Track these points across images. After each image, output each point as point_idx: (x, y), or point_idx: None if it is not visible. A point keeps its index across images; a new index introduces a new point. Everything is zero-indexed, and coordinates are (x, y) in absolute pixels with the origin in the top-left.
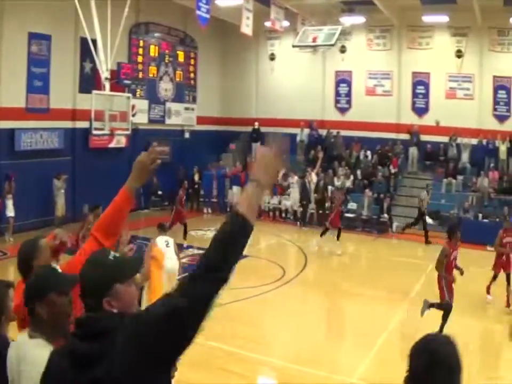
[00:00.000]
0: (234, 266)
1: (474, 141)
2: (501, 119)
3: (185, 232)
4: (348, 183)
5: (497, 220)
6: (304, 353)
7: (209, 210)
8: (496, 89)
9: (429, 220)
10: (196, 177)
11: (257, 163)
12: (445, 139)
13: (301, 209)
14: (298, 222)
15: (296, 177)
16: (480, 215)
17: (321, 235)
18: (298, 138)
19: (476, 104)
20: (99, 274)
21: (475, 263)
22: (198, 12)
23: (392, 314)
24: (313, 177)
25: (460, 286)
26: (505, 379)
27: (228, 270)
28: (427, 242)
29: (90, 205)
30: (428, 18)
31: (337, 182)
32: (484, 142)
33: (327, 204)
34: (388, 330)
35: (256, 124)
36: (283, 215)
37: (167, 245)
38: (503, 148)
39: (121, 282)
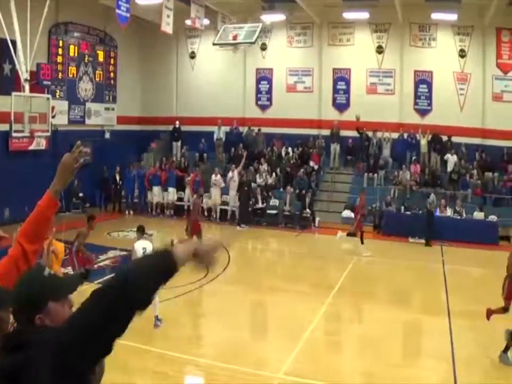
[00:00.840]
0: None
1: (395, 135)
2: (422, 113)
3: None
4: (270, 180)
5: (420, 212)
6: (231, 351)
7: (131, 211)
8: (417, 83)
9: (350, 214)
10: (118, 178)
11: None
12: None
13: (235, 208)
14: (236, 222)
15: (219, 175)
16: (402, 208)
17: (362, 242)
18: (215, 136)
19: (397, 98)
20: (34, 290)
21: (398, 255)
22: (117, 11)
23: (317, 309)
24: (236, 175)
25: (385, 278)
26: (425, 366)
27: (143, 291)
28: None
29: (11, 208)
30: (348, 15)
31: (259, 179)
32: (405, 136)
33: (251, 202)
34: (313, 325)
35: (177, 122)
36: (205, 213)
37: (144, 252)
38: (424, 142)
39: (55, 300)
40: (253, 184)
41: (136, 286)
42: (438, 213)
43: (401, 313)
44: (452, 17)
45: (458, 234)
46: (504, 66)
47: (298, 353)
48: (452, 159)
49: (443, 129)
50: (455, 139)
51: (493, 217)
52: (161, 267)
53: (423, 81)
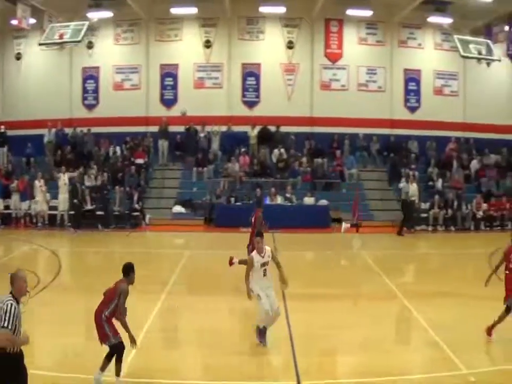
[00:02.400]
0: None
1: (224, 128)
2: (250, 105)
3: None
4: (99, 181)
5: (250, 202)
6: (68, 359)
7: None
8: (244, 76)
9: (180, 209)
10: None
11: None
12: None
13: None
14: (71, 227)
15: (42, 181)
16: (233, 199)
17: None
18: (46, 139)
19: (225, 92)
20: None
21: (231, 245)
22: None
23: (152, 306)
24: (66, 178)
25: (218, 269)
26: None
27: None
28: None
29: None
30: (176, 11)
31: (87, 182)
32: (234, 129)
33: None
34: (149, 323)
35: (2, 127)
36: (34, 220)
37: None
38: (253, 133)
39: None
40: (83, 186)
41: None
42: (268, 201)
43: (237, 302)
44: (280, 10)
45: (291, 220)
46: (333, 55)
47: (136, 353)
48: (280, 148)
49: (272, 120)
50: (284, 129)
51: (323, 202)
52: None
53: (251, 73)
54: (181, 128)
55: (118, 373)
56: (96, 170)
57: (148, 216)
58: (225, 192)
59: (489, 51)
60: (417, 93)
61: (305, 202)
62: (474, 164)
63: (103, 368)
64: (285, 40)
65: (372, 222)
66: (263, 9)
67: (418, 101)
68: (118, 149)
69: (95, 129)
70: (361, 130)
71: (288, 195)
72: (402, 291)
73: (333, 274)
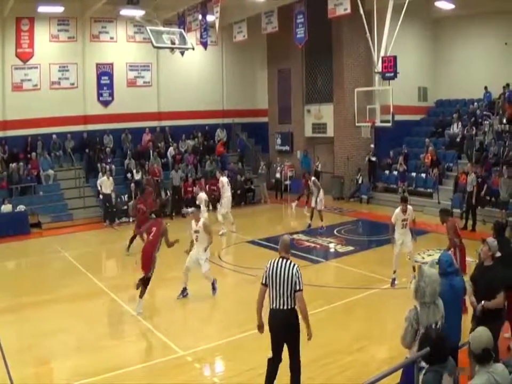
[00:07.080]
0: None
1: None
2: None
3: None
4: None
5: None
6: None
7: None
8: None
9: None
10: None
11: None
12: None
13: None
14: None
15: None
16: None
17: None
18: None
19: None
20: None
21: None
22: None
23: None
24: None
25: None
26: None
27: None
28: None
29: None
30: None
31: None
32: None
33: None
34: None
35: None
36: None
37: None
38: None
39: None
40: None
41: None
42: None
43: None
44: None
45: None
46: (24, 55)
47: None
48: None
49: None
50: None
51: (21, 207)
52: None
53: None
54: None
55: (142, 295)
56: None
57: None
58: None
59: (183, 40)
60: (110, 86)
61: (2, 210)
62: (171, 151)
63: (141, 295)
64: None
65: (73, 222)
66: None
67: (111, 94)
68: None
69: None
70: (55, 130)
71: None
72: (109, 286)
73: (40, 280)
